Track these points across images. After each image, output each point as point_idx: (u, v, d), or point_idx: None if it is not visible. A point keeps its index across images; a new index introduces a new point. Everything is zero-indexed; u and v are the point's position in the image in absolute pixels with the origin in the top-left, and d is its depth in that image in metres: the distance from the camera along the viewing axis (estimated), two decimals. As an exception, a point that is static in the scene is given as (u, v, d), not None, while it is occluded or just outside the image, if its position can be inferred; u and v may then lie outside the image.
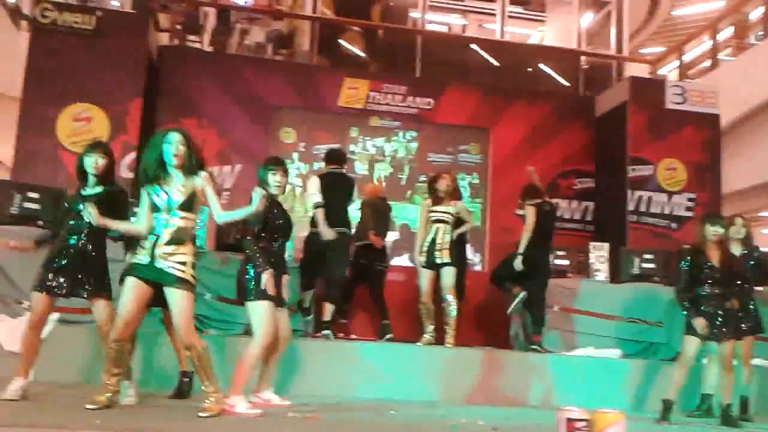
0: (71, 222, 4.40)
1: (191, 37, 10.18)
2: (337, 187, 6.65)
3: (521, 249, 6.78)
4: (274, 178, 4.62)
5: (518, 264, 6.75)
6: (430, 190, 6.89)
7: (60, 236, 4.45)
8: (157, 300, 4.17)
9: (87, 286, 4.34)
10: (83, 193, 4.44)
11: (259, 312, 4.38)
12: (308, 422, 4.17)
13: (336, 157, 6.93)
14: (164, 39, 9.90)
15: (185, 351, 4.25)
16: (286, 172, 4.71)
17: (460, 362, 6.17)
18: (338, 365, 5.90)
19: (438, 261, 6.57)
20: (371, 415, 4.72)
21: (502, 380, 6.11)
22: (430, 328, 6.67)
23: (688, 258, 5.35)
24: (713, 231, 5.27)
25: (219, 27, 10.13)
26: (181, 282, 4.01)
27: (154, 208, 4.08)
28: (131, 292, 4.04)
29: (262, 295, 4.36)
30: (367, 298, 7.56)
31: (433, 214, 6.69)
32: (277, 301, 4.49)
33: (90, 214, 4.13)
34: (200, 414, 3.97)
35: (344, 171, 6.96)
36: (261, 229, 4.50)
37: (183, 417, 4.05)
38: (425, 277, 6.66)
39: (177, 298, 4.02)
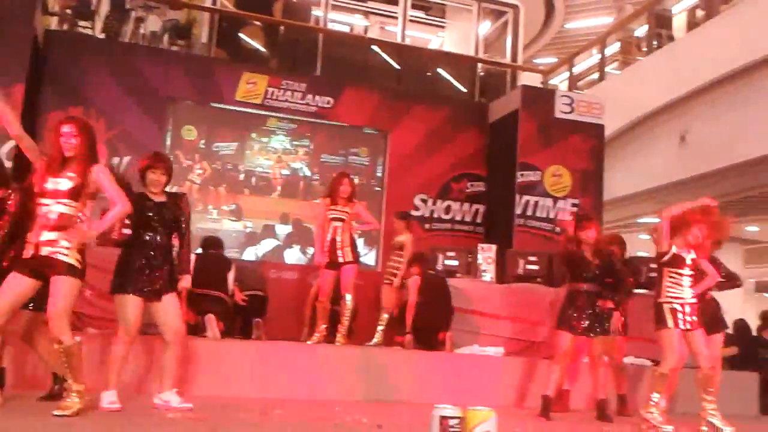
0: None
1: (82, 23, 9.73)
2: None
3: (408, 328, 6.92)
4: (153, 176, 4.59)
5: (410, 345, 6.87)
6: (329, 190, 6.90)
7: None
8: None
9: None
10: None
11: (117, 305, 4.45)
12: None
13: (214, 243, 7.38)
14: (53, 23, 9.44)
15: (54, 346, 3.98)
16: (166, 171, 4.65)
17: (349, 361, 6.22)
18: (238, 365, 5.84)
19: (340, 260, 6.61)
20: (255, 415, 4.71)
21: (389, 378, 6.20)
22: (323, 327, 6.68)
23: (569, 255, 5.63)
24: (586, 236, 5.57)
25: (112, 13, 9.72)
26: (68, 268, 3.91)
27: (42, 196, 3.99)
28: (9, 284, 3.94)
29: (118, 288, 4.42)
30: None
31: (331, 213, 6.70)
32: (142, 293, 4.40)
33: None
34: (55, 412, 3.84)
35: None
36: (132, 223, 4.54)
37: (42, 417, 3.88)
38: (327, 276, 6.67)
39: (61, 286, 3.89)
